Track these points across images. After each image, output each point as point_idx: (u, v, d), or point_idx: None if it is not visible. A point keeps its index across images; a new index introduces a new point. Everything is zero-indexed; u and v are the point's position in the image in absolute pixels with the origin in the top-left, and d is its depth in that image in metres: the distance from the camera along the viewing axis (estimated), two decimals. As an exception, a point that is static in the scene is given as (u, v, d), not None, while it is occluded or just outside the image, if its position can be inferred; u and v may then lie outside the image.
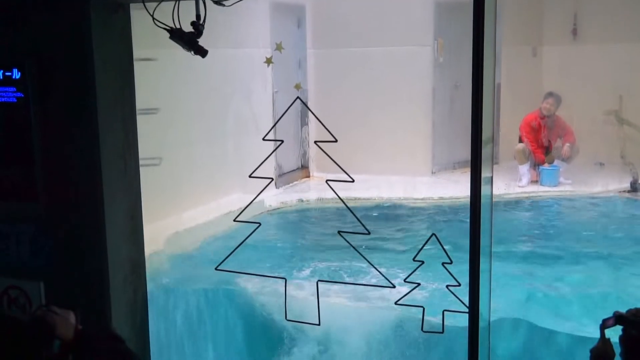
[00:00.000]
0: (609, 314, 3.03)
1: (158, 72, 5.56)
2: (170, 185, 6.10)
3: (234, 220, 4.07)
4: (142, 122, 4.36)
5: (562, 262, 5.97)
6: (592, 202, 7.89)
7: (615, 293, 5.14)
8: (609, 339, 3.09)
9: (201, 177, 6.73)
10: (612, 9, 8.97)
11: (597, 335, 3.09)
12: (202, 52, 4.00)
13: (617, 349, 3.04)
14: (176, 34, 3.92)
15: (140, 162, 4.31)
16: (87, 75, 3.81)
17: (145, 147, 4.47)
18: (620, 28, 8.85)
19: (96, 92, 3.82)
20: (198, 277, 5.49)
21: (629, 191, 8.14)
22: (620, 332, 3.03)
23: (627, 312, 3.02)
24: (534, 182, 8.53)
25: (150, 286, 4.52)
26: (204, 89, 6.63)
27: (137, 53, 4.18)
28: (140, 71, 4.30)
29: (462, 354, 3.23)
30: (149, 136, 4.79)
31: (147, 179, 4.56)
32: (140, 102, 4.32)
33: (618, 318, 3.03)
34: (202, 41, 4.00)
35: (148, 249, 4.60)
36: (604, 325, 3.09)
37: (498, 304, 4.02)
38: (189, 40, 3.92)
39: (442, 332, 3.90)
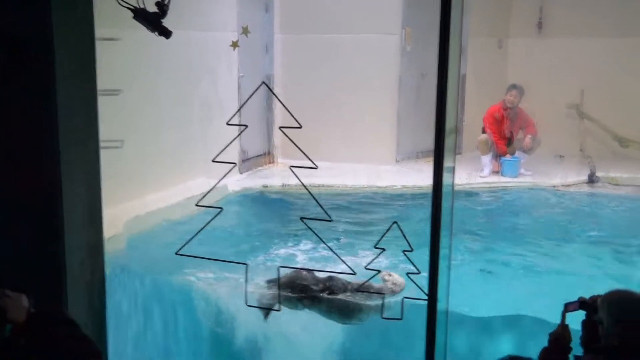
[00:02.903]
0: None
1: (121, 52, 5.47)
2: (132, 168, 6.03)
3: (196, 205, 4.05)
4: (103, 103, 4.30)
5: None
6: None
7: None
8: (567, 325, 3.16)
9: (164, 161, 6.66)
10: (577, 3, 9.10)
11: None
12: (167, 34, 3.96)
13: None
14: (140, 14, 3.87)
15: (102, 144, 4.25)
16: (47, 55, 3.74)
17: (107, 130, 4.41)
18: (584, 23, 8.98)
19: (55, 72, 3.75)
20: (157, 262, 5.43)
21: (586, 183, 8.28)
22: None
23: (589, 299, 3.10)
24: (495, 172, 8.61)
25: (108, 270, 4.47)
26: (168, 71, 6.55)
27: (99, 32, 4.11)
28: (102, 51, 4.23)
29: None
30: (111, 118, 4.72)
31: (109, 162, 4.50)
32: (102, 83, 4.25)
33: (581, 304, 3.11)
34: (166, 22, 3.96)
35: (108, 233, 4.55)
36: (565, 310, 3.16)
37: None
38: (153, 20, 3.89)
39: (401, 319, 3.94)
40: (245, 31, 4.92)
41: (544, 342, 3.27)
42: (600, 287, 3.18)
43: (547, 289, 5.07)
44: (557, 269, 5.58)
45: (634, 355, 2.79)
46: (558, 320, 3.26)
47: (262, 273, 5.06)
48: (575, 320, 3.20)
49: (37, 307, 2.35)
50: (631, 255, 5.91)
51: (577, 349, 3.11)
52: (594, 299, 3.08)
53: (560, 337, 3.14)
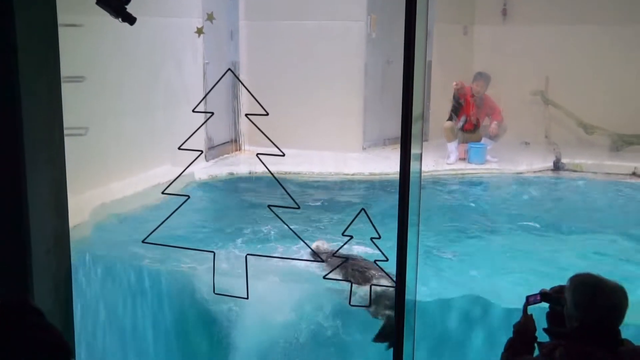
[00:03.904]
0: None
1: (84, 39, 5.39)
2: (97, 156, 5.96)
3: (162, 193, 4.01)
4: (67, 90, 4.23)
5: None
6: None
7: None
8: (531, 315, 3.21)
9: (129, 148, 6.59)
10: (541, -10, 9.18)
11: None
12: (131, 20, 3.90)
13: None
14: (103, 0, 3.81)
15: (66, 131, 4.19)
16: (9, 41, 3.66)
17: (71, 117, 4.35)
18: (548, 10, 9.04)
19: (18, 58, 3.68)
20: (124, 250, 5.39)
21: (551, 170, 8.38)
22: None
23: (550, 290, 3.15)
24: (462, 159, 8.67)
25: (74, 259, 4.42)
26: (133, 58, 6.47)
27: (62, 18, 4.04)
28: (65, 37, 4.16)
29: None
30: (75, 105, 4.65)
31: (73, 149, 4.44)
32: (66, 69, 4.19)
33: (543, 296, 3.15)
34: (130, 8, 3.90)
35: (73, 221, 4.50)
36: (527, 302, 3.21)
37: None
38: (117, 6, 3.83)
39: (369, 306, 3.95)
40: (210, 17, 4.87)
41: (506, 329, 3.32)
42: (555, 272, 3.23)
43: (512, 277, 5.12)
44: (524, 255, 5.64)
45: (593, 337, 2.84)
46: (519, 306, 3.30)
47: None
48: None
49: (2, 297, 2.31)
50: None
51: (542, 339, 3.14)
52: (556, 289, 3.13)
53: (524, 328, 3.19)
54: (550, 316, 3.14)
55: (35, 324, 2.19)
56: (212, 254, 4.07)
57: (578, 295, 2.92)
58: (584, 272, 3.05)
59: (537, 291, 3.22)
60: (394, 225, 3.26)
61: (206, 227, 6.27)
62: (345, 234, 3.68)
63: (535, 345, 3.13)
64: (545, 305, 3.20)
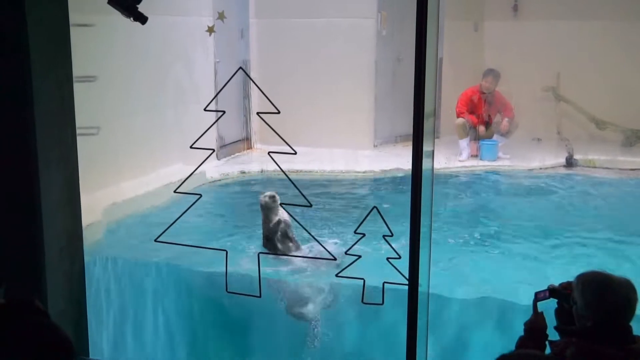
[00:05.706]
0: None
1: (95, 38, 5.41)
2: (109, 155, 5.98)
3: (175, 192, 4.02)
4: (79, 90, 4.25)
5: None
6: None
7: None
8: (541, 312, 3.19)
9: (141, 148, 6.61)
10: (552, -14, 9.12)
11: None
12: (142, 19, 3.91)
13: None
14: None
15: (78, 131, 4.21)
16: (21, 40, 3.68)
17: (83, 116, 4.37)
18: (559, 6, 8.99)
19: (30, 58, 3.70)
20: (136, 249, 5.41)
21: (564, 166, 8.34)
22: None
23: (559, 286, 3.13)
24: (473, 156, 8.64)
25: (87, 258, 4.44)
26: (144, 57, 6.49)
27: (73, 18, 4.06)
28: (77, 37, 4.17)
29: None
30: (87, 105, 4.67)
31: (85, 148, 4.46)
32: (77, 69, 4.21)
33: (551, 292, 3.14)
34: (141, 7, 3.91)
35: (86, 220, 4.51)
36: (536, 299, 3.19)
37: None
38: (128, 6, 3.84)
39: (382, 304, 3.94)
40: (221, 16, 4.87)
41: (518, 325, 3.31)
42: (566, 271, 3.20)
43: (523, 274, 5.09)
44: (534, 254, 5.60)
45: (605, 335, 2.82)
46: (530, 302, 3.29)
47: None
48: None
49: (7, 297, 2.32)
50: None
51: (553, 336, 3.13)
52: (564, 285, 3.11)
53: (534, 325, 3.17)
54: (559, 313, 3.12)
55: (38, 324, 2.19)
56: (225, 252, 4.08)
57: (588, 293, 2.90)
58: (591, 270, 3.03)
59: (545, 287, 3.21)
60: (406, 222, 3.26)
61: (219, 225, 6.28)
62: (357, 231, 3.68)
63: (547, 343, 3.11)
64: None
